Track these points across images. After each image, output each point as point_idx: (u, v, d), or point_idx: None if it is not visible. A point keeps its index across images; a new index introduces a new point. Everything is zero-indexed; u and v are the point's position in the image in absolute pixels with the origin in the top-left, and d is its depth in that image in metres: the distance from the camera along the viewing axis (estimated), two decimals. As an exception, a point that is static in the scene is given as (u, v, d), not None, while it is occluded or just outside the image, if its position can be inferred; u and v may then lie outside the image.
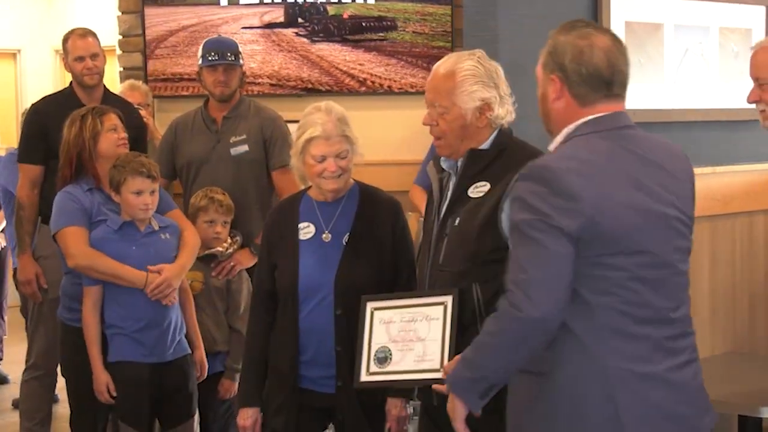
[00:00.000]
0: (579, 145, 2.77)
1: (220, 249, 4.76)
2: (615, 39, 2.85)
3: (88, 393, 4.31)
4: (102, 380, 4.25)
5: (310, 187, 3.68)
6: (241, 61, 5.16)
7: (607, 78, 2.80)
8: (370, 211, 3.64)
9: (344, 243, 3.59)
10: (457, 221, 3.28)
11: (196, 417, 4.47)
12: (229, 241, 4.82)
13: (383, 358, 3.27)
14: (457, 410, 2.83)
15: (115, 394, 4.26)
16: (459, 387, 2.81)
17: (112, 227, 4.26)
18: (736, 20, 4.96)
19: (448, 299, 3.22)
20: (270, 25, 6.07)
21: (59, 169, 4.45)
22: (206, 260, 4.70)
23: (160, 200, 4.35)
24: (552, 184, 2.67)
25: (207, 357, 4.53)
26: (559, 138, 2.83)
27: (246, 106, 5.17)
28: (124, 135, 4.43)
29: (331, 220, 3.63)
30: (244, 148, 5.07)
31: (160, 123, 6.03)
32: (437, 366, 3.17)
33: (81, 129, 4.37)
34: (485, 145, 3.33)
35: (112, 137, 4.38)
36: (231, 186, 4.97)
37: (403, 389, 3.52)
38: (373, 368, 3.28)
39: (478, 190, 3.28)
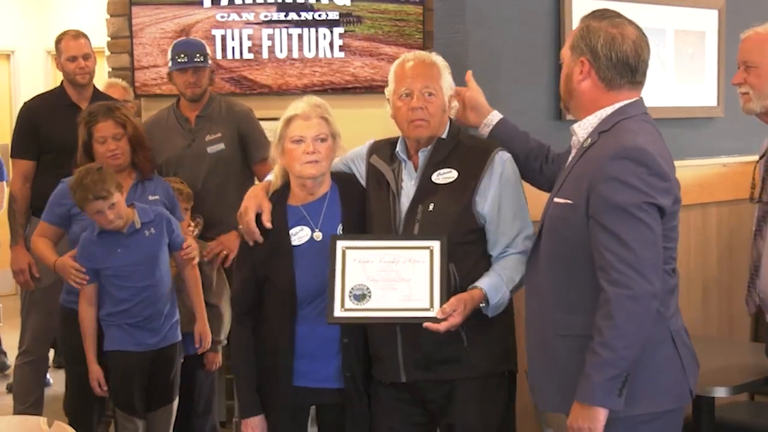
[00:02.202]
0: (639, 128, 2.88)
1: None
2: (641, 31, 2.97)
3: (86, 376, 4.29)
4: (94, 374, 4.24)
5: (287, 194, 3.52)
6: (209, 61, 5.04)
7: (633, 65, 2.92)
8: (354, 199, 3.50)
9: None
10: (430, 207, 3.31)
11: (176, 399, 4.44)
12: (191, 225, 4.78)
13: (361, 295, 3.24)
14: (598, 419, 2.78)
15: (106, 388, 4.26)
16: (597, 395, 2.76)
17: (94, 231, 4.19)
18: (691, 23, 4.97)
19: (435, 244, 3.24)
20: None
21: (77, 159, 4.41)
22: None
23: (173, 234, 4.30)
24: (650, 164, 2.77)
25: (187, 336, 4.49)
26: (593, 119, 2.94)
27: (218, 103, 5.06)
28: (114, 147, 4.32)
29: (318, 218, 3.47)
30: (221, 146, 4.96)
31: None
32: (426, 305, 3.20)
33: (79, 134, 4.37)
34: (444, 135, 3.41)
35: (101, 149, 4.32)
36: (209, 184, 4.91)
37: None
38: (349, 305, 3.24)
39: (444, 176, 3.35)
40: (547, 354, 2.96)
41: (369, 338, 3.43)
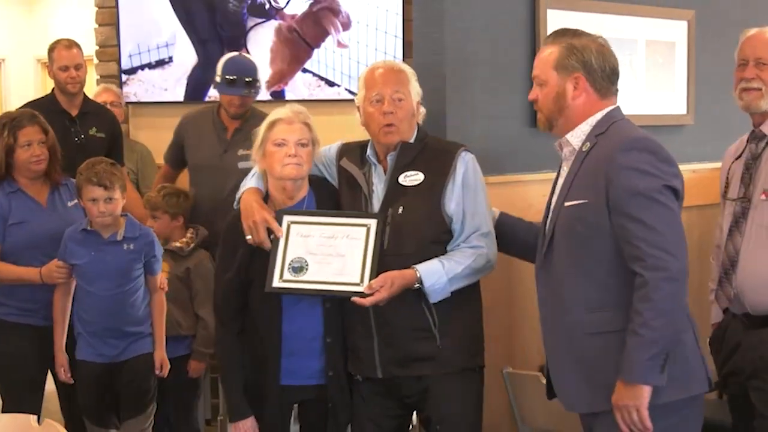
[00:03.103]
0: (632, 126, 3.01)
1: (179, 245, 4.73)
2: (607, 41, 3.10)
3: (15, 388, 4.29)
4: (60, 361, 4.23)
5: (266, 201, 3.51)
6: (258, 85, 4.90)
7: (618, 73, 3.07)
8: (329, 201, 3.51)
9: None
10: (400, 210, 3.36)
11: (152, 408, 4.34)
12: (188, 236, 4.77)
13: (298, 267, 3.31)
14: (643, 396, 2.84)
15: (70, 374, 4.24)
16: (641, 373, 2.83)
17: (79, 228, 4.16)
18: (661, 34, 5.01)
19: (372, 222, 3.32)
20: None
21: None
22: (168, 252, 4.65)
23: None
24: (657, 152, 2.89)
25: (173, 341, 4.48)
26: (584, 127, 3.03)
27: (254, 117, 4.79)
28: (40, 151, 4.26)
29: None
30: (251, 164, 4.81)
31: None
32: (357, 280, 3.28)
33: None
34: (411, 139, 3.45)
35: (25, 154, 4.24)
36: (232, 198, 4.66)
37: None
38: (287, 276, 3.31)
39: (411, 179, 3.40)
40: (575, 355, 2.99)
41: (347, 335, 3.46)
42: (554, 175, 3.17)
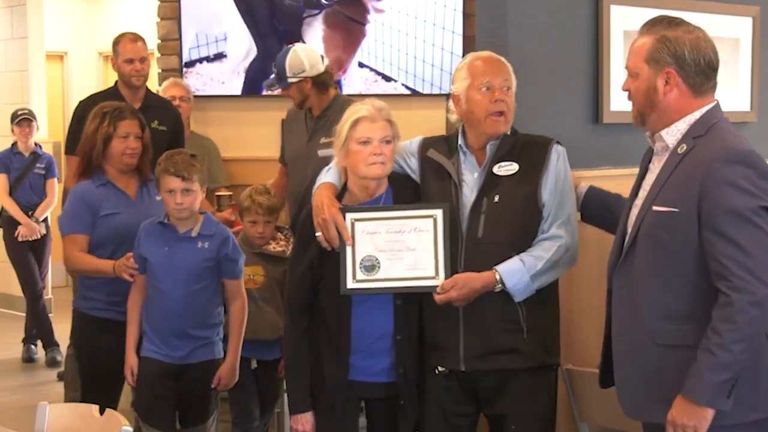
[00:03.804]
0: (733, 130, 2.83)
1: (280, 249, 4.65)
2: (707, 33, 2.90)
3: (95, 380, 4.26)
4: (129, 362, 4.10)
5: (342, 196, 3.45)
6: (289, 80, 4.84)
7: (715, 67, 2.87)
8: (408, 198, 3.45)
9: None
10: (495, 198, 3.34)
11: (214, 417, 4.21)
12: (280, 238, 4.71)
13: (371, 266, 3.27)
14: (706, 420, 2.72)
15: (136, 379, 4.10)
16: (709, 396, 2.70)
17: (155, 221, 4.07)
18: (726, 31, 4.94)
19: (438, 212, 3.27)
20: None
21: (78, 160, 4.40)
22: (262, 255, 4.61)
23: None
24: (757, 166, 2.71)
25: (270, 343, 4.45)
26: (681, 125, 2.86)
27: (339, 105, 4.75)
28: (136, 145, 4.26)
29: None
30: (330, 151, 4.62)
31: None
32: (432, 274, 3.25)
33: (98, 128, 4.24)
34: (507, 131, 3.44)
35: (121, 145, 4.22)
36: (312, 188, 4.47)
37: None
38: (360, 276, 3.27)
39: (505, 168, 3.38)
40: (641, 362, 2.89)
41: (427, 327, 3.42)
42: (620, 171, 3.11)
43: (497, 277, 3.25)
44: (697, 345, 2.73)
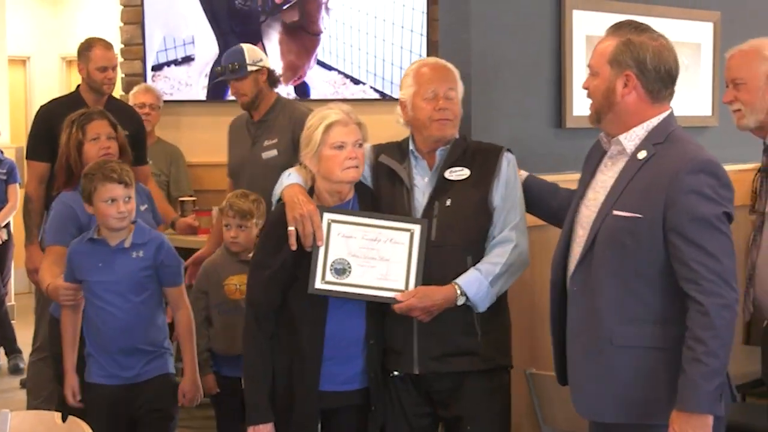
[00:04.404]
0: (690, 138, 2.93)
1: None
2: (670, 42, 2.97)
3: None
4: (69, 383, 3.92)
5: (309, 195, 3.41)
6: (248, 69, 4.81)
7: (674, 76, 2.94)
8: (369, 202, 3.44)
9: None
10: (447, 202, 3.37)
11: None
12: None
13: (341, 269, 3.25)
14: (709, 426, 2.77)
15: (80, 398, 3.91)
16: (709, 404, 2.76)
17: (84, 239, 3.87)
18: (687, 36, 4.97)
19: (416, 228, 3.28)
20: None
21: (56, 172, 4.32)
22: (248, 264, 4.32)
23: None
24: (719, 176, 2.82)
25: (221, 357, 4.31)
26: (639, 131, 2.93)
27: (280, 107, 4.83)
28: (108, 144, 4.16)
29: None
30: (273, 152, 4.75)
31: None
32: (401, 287, 3.26)
33: (68, 137, 4.18)
34: (455, 134, 3.48)
35: (94, 148, 4.14)
36: (264, 192, 4.35)
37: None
38: (329, 278, 3.25)
39: (457, 173, 3.41)
40: (596, 363, 2.93)
41: (386, 332, 3.41)
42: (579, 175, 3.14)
43: (457, 290, 3.27)
44: (654, 346, 2.83)
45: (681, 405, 2.77)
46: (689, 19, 4.97)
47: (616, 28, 2.98)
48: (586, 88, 3.03)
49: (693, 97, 5.02)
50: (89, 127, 4.17)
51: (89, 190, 3.80)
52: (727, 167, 4.87)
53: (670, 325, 2.83)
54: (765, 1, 5.37)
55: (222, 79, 4.88)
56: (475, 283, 3.29)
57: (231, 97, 5.86)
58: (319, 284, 3.25)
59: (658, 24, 4.87)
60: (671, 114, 2.96)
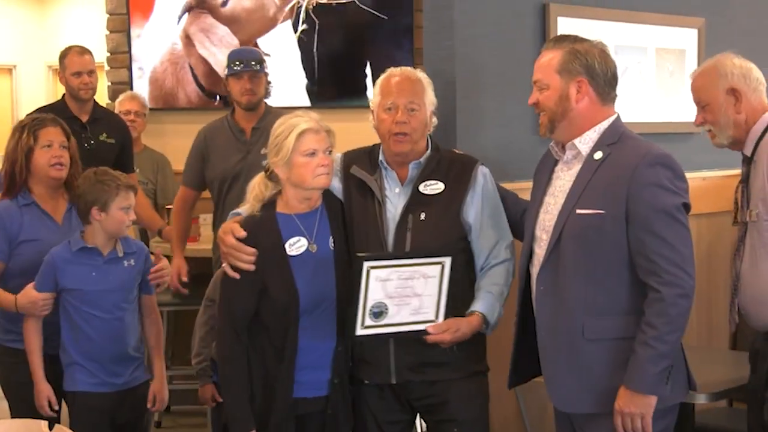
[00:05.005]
0: (641, 138, 3.08)
1: None
2: (607, 47, 3.16)
3: (28, 414, 3.72)
4: (44, 393, 3.78)
5: (273, 203, 3.40)
6: (265, 69, 4.85)
7: (617, 79, 3.12)
8: (337, 211, 3.45)
9: (331, 248, 3.37)
10: (422, 216, 3.38)
11: None
12: None
13: (379, 312, 3.29)
14: (651, 406, 2.94)
15: (57, 408, 3.81)
16: (652, 384, 2.93)
17: (72, 248, 3.75)
18: (671, 42, 5.00)
19: (446, 260, 3.31)
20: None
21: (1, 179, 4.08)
22: None
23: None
24: (675, 168, 2.98)
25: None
26: (592, 134, 3.08)
27: (273, 116, 4.61)
28: (61, 153, 3.91)
29: (312, 229, 3.37)
30: None
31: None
32: (432, 317, 3.32)
33: (17, 141, 3.93)
34: (428, 149, 3.48)
35: (45, 156, 3.89)
36: None
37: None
38: (368, 322, 3.28)
39: (431, 188, 3.43)
40: (573, 357, 3.05)
41: (356, 343, 3.41)
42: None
43: (481, 317, 3.34)
44: (623, 337, 2.96)
45: (627, 383, 2.93)
46: (674, 25, 5.00)
47: (556, 41, 3.14)
48: (534, 103, 3.16)
49: (678, 103, 5.05)
50: (42, 133, 3.92)
51: (106, 198, 3.71)
52: (714, 173, 4.94)
53: (638, 316, 2.96)
54: (748, 7, 5.40)
55: (245, 71, 4.77)
56: (494, 309, 3.38)
57: (217, 105, 5.89)
58: (359, 330, 3.29)
59: (643, 31, 4.94)
60: (618, 117, 3.12)
